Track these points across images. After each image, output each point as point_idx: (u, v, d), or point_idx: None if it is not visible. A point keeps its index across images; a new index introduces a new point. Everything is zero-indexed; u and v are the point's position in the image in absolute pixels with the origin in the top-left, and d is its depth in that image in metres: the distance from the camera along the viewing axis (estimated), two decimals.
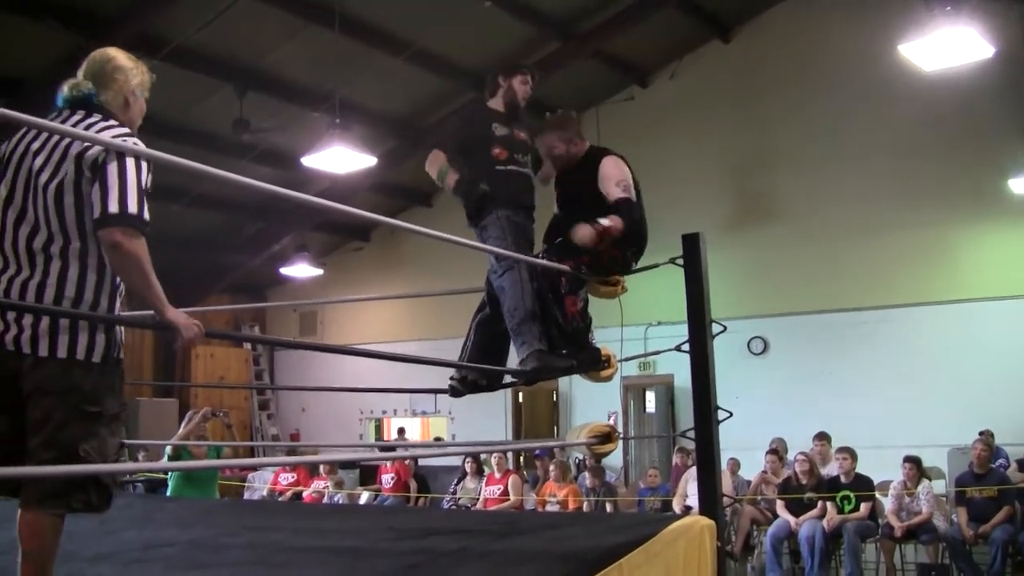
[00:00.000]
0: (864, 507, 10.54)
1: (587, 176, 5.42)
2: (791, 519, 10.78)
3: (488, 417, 16.42)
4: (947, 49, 10.08)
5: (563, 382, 16.12)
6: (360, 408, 18.87)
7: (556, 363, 5.28)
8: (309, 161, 13.12)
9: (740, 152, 15.80)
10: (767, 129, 15.48)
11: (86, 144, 3.20)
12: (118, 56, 3.56)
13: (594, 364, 5.36)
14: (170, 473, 9.43)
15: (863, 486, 10.67)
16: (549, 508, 11.94)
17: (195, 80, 13.04)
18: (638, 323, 13.32)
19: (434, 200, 18.31)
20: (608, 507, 12.43)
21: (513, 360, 5.44)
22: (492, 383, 5.70)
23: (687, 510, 10.12)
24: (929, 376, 13.86)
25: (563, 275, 5.22)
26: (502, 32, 14.09)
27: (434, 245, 15.44)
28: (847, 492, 10.63)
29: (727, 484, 10.81)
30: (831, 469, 11.17)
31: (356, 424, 18.91)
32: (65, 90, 3.41)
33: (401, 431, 18.55)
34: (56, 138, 3.24)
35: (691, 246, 5.21)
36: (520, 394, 17.22)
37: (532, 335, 5.14)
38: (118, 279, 3.33)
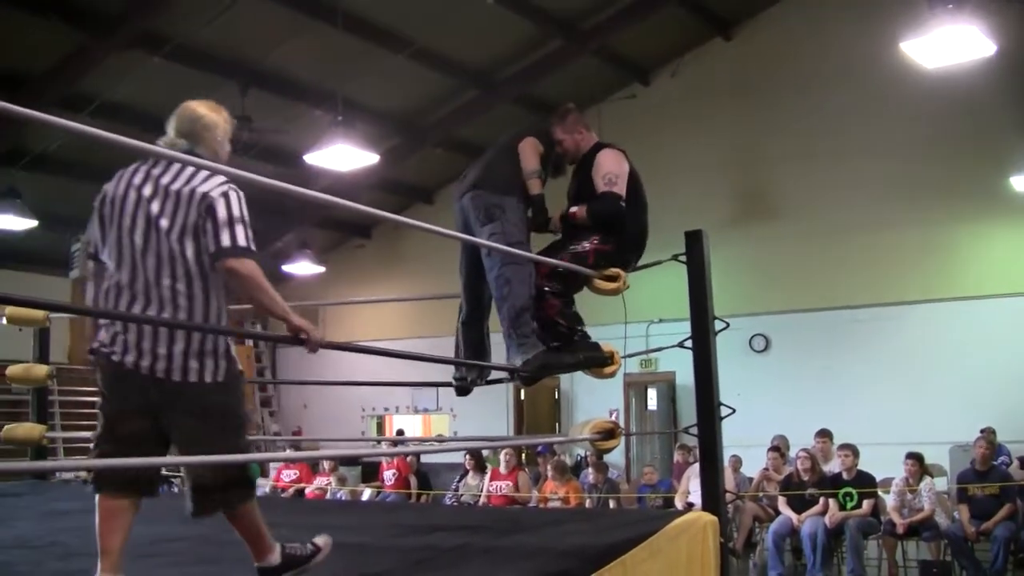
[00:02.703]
0: (866, 504, 10.53)
1: (587, 168, 5.45)
2: (793, 516, 10.79)
3: (490, 414, 16.45)
4: (949, 47, 10.06)
5: (565, 379, 16.13)
6: (362, 405, 18.89)
7: (564, 359, 5.28)
8: (312, 159, 13.14)
9: (742, 149, 15.79)
10: (768, 126, 15.47)
11: (199, 191, 3.62)
12: (205, 113, 3.94)
13: (594, 351, 5.35)
14: None
15: (865, 483, 10.67)
16: (551, 505, 11.95)
17: (197, 77, 13.03)
18: (640, 320, 13.35)
19: (436, 197, 18.34)
20: (611, 504, 12.45)
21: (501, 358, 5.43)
22: (484, 376, 5.70)
23: (689, 507, 10.12)
24: (931, 373, 13.88)
25: (553, 276, 5.24)
26: (505, 30, 14.09)
27: (435, 242, 15.37)
28: (849, 489, 10.63)
29: (729, 481, 10.81)
30: (833, 466, 11.17)
31: (358, 421, 18.92)
32: (163, 147, 3.77)
33: (400, 432, 18.56)
34: (166, 183, 3.65)
35: (694, 243, 5.23)
36: (522, 391, 17.23)
37: (535, 335, 5.13)
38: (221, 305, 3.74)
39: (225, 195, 3.65)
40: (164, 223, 3.61)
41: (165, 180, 3.66)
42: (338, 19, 12.28)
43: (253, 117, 13.34)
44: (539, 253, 5.35)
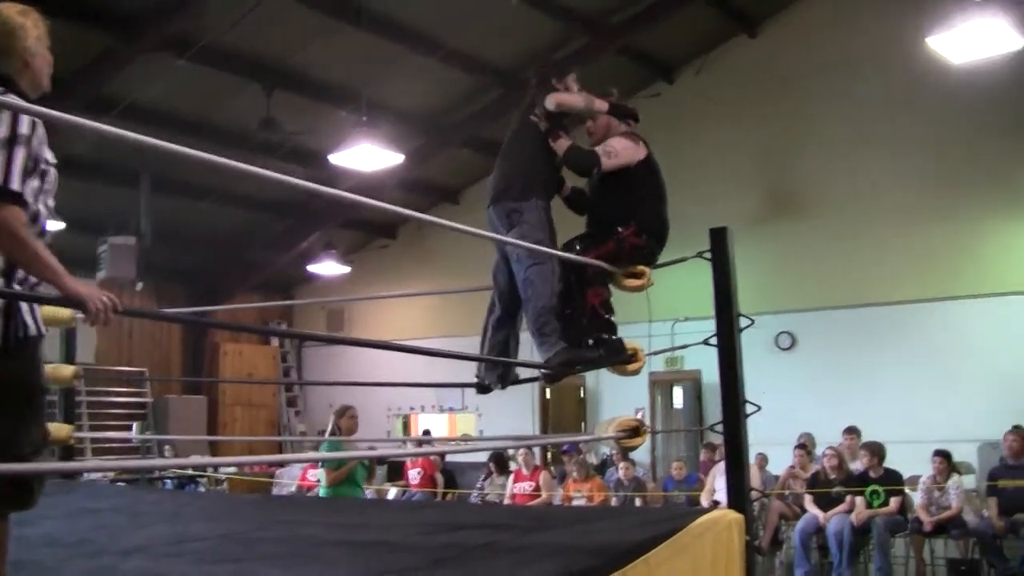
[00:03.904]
0: (893, 502, 10.49)
1: None
2: (819, 514, 10.76)
3: (516, 413, 16.46)
4: (976, 41, 10.01)
5: (590, 378, 16.12)
6: (388, 405, 18.93)
7: (583, 355, 5.28)
8: (336, 159, 13.20)
9: (767, 147, 15.75)
10: (794, 124, 15.42)
11: None
12: (10, 17, 3.30)
13: (618, 354, 5.35)
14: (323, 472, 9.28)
15: (892, 480, 10.63)
16: (576, 503, 11.96)
17: (223, 79, 13.14)
18: (665, 319, 13.30)
19: (461, 197, 18.38)
20: (637, 502, 12.45)
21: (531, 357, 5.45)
22: (505, 380, 5.71)
23: (715, 505, 10.11)
24: (959, 371, 13.76)
25: (588, 266, 5.25)
26: (529, 28, 14.10)
27: (460, 242, 15.47)
28: (876, 487, 10.59)
29: (755, 479, 10.78)
30: (860, 464, 11.14)
31: (384, 421, 18.95)
32: None
33: (427, 432, 18.62)
34: None
35: (719, 240, 5.21)
36: (547, 391, 17.24)
37: (556, 334, 5.15)
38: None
39: None
40: None
41: None
42: (362, 20, 12.32)
43: (278, 118, 13.42)
44: (566, 243, 5.42)
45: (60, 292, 2.98)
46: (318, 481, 13.82)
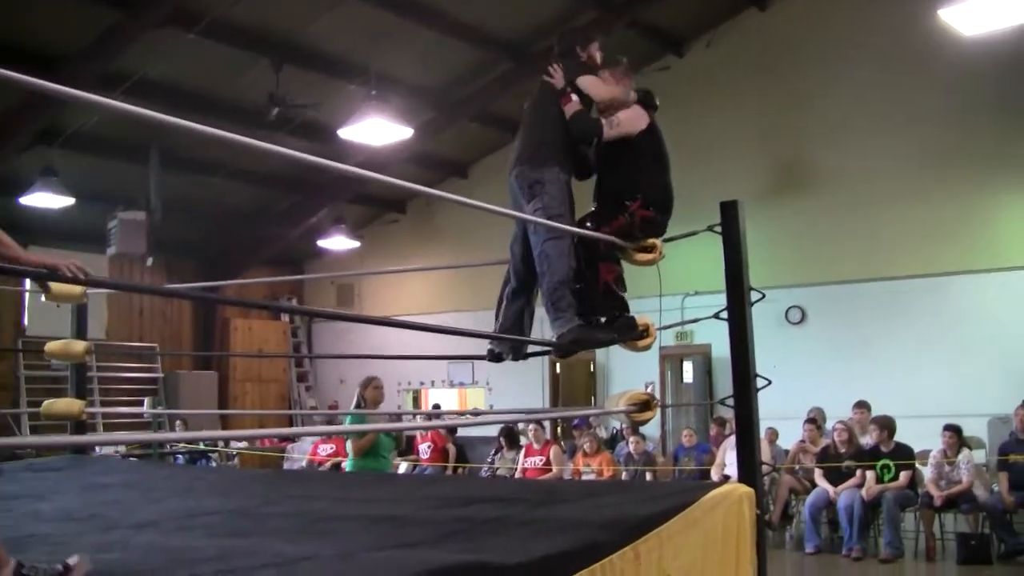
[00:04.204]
0: (904, 476, 10.49)
1: None
2: (829, 488, 10.77)
3: (526, 388, 16.49)
4: (989, 12, 9.92)
5: (600, 353, 16.11)
6: (398, 380, 18.94)
7: (597, 335, 5.29)
8: (346, 133, 13.17)
9: (777, 120, 15.67)
10: (804, 97, 15.34)
11: None
12: None
13: (630, 331, 5.35)
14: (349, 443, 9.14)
15: (903, 455, 10.62)
16: (585, 477, 11.97)
17: (231, 54, 13.09)
18: (675, 293, 13.30)
19: (470, 171, 18.35)
20: (647, 476, 12.47)
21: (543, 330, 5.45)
22: (518, 353, 5.71)
23: (725, 479, 10.11)
24: (969, 345, 13.74)
25: (601, 242, 5.24)
26: (538, 2, 14.03)
27: (470, 216, 15.47)
28: (887, 461, 10.59)
29: (765, 453, 10.79)
30: (870, 438, 11.13)
31: (394, 396, 18.97)
32: None
33: (436, 406, 18.67)
34: None
35: (729, 213, 5.18)
36: (558, 365, 17.27)
37: (572, 309, 5.15)
38: None
39: None
40: None
41: None
42: None
43: (287, 93, 13.38)
44: (580, 220, 5.40)
45: (22, 265, 2.95)
46: (329, 454, 13.93)
